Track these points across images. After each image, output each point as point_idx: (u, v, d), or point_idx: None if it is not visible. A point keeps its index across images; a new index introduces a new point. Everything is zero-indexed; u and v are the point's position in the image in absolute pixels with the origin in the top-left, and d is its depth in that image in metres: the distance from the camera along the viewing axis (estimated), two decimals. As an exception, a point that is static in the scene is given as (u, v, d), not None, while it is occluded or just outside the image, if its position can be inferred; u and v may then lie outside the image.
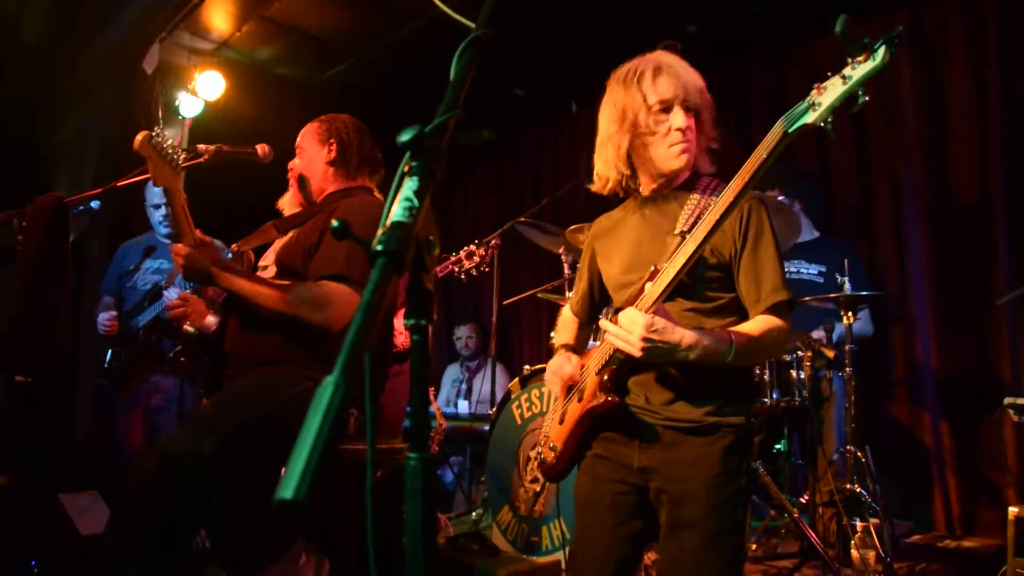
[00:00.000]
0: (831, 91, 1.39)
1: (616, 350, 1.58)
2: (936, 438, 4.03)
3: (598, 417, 1.65)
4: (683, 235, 1.60)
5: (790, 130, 1.43)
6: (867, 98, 1.38)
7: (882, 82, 4.34)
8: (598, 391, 1.65)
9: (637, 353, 1.48)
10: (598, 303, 1.98)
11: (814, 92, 1.41)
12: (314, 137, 2.46)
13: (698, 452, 1.57)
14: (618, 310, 1.72)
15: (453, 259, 3.41)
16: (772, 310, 1.60)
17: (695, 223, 1.61)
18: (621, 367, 1.63)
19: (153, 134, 2.15)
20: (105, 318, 3.66)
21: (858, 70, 1.35)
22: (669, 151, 1.66)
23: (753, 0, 4.38)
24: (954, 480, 3.94)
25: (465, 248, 3.33)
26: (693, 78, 1.68)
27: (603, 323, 1.58)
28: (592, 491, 1.70)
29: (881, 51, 1.32)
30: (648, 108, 1.65)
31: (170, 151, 2.19)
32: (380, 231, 0.76)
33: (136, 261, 3.84)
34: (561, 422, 1.78)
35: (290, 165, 2.52)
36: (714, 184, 1.70)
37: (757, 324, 1.59)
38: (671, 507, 1.58)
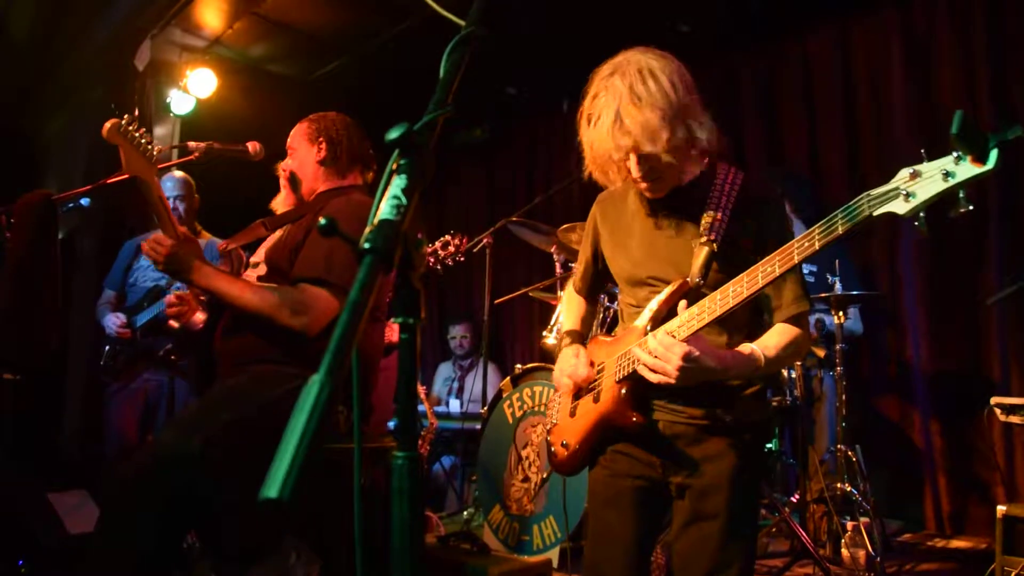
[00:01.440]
0: (928, 185, 1.20)
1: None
2: (926, 437, 4.04)
3: (619, 429, 1.66)
4: (710, 244, 1.58)
5: (875, 214, 1.26)
6: (971, 207, 1.16)
7: (873, 83, 4.36)
8: (619, 402, 1.63)
9: (672, 381, 1.48)
10: (601, 278, 1.97)
11: (906, 175, 1.22)
12: (304, 137, 2.44)
13: (721, 448, 1.60)
14: (631, 304, 1.73)
15: (429, 250, 3.38)
16: (793, 320, 1.61)
17: (720, 228, 1.59)
18: (642, 379, 1.60)
19: (123, 122, 2.09)
20: (116, 323, 3.59)
21: (963, 169, 1.17)
22: (642, 187, 1.63)
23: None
24: (944, 479, 3.95)
25: (440, 239, 3.31)
26: (651, 118, 1.48)
27: (634, 350, 1.57)
28: (611, 485, 1.71)
29: (993, 156, 1.14)
30: (611, 156, 1.56)
31: (143, 141, 2.14)
32: (368, 229, 0.76)
33: (133, 257, 3.82)
34: (572, 415, 1.77)
35: (281, 166, 2.49)
36: (731, 176, 1.66)
37: (781, 336, 1.60)
38: (694, 499, 1.61)
